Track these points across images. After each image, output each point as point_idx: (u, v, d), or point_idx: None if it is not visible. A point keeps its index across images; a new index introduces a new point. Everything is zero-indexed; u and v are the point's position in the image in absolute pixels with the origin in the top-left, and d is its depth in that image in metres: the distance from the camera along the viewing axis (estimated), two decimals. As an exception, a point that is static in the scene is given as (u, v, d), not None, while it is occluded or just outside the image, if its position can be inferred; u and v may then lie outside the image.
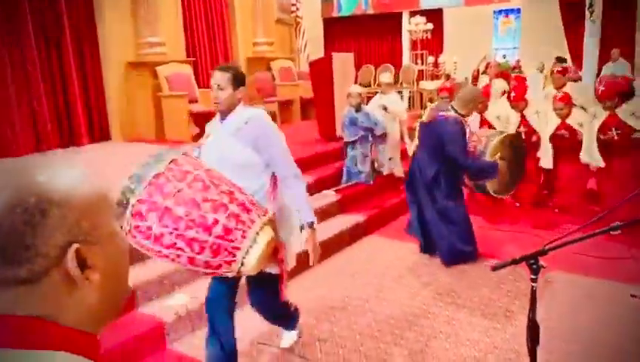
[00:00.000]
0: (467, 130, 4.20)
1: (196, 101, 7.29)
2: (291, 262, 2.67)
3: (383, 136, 5.71)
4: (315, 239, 2.51)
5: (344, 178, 5.65)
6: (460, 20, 11.91)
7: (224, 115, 2.48)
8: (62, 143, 6.68)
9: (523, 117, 5.55)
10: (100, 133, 7.15)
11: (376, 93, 6.53)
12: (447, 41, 11.53)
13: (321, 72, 6.68)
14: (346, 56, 6.89)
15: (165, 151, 2.16)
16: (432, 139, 4.22)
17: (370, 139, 5.60)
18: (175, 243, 2.00)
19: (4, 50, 6.01)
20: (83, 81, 6.93)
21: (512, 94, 5.64)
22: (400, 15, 11.60)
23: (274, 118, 8.40)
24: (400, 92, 11.11)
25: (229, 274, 2.16)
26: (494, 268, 1.81)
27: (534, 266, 1.73)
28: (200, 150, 2.50)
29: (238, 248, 2.07)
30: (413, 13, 11.32)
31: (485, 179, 4.42)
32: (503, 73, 7.51)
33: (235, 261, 2.07)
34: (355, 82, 11.32)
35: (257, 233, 2.10)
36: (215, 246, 2.03)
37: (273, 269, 2.49)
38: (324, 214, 5.12)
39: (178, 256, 2.04)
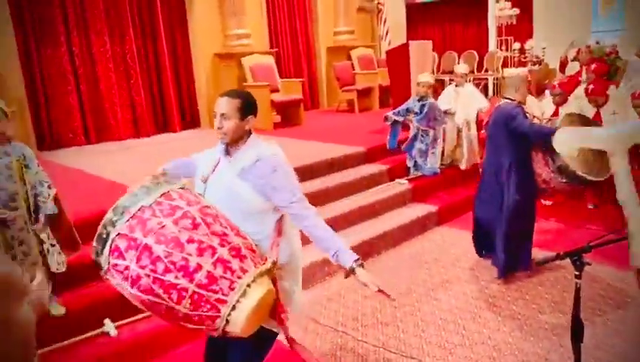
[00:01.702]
0: (527, 114, 3.96)
1: (277, 90, 7.59)
2: (297, 312, 2.29)
3: (430, 134, 5.61)
4: (370, 276, 1.98)
5: (412, 168, 5.69)
6: (552, 1, 11.20)
7: (231, 147, 2.13)
8: (157, 130, 7.28)
9: (598, 114, 5.10)
10: (190, 120, 7.70)
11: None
12: (537, 26, 10.90)
13: (398, 59, 6.69)
14: (424, 43, 6.82)
15: (158, 182, 1.90)
16: (495, 129, 4.02)
17: (429, 135, 5.57)
18: (152, 289, 1.71)
19: (108, 46, 6.65)
20: (175, 72, 7.49)
21: (591, 87, 5.21)
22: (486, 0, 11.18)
23: (352, 107, 8.59)
24: (485, 79, 10.76)
25: (215, 334, 1.80)
26: (538, 263, 1.83)
27: (578, 263, 1.73)
28: (206, 186, 2.14)
29: (223, 301, 1.71)
30: (500, -3, 10.84)
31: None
32: (596, 60, 7.03)
33: (219, 316, 1.73)
34: (438, 69, 11.18)
35: (249, 285, 1.75)
36: (196, 296, 1.70)
37: (272, 326, 2.07)
38: (395, 202, 5.21)
39: (156, 304, 1.73)
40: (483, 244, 4.25)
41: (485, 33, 11.48)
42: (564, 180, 4.18)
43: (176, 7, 7.38)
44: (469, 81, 6.73)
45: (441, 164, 5.79)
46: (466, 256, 4.41)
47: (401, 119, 5.62)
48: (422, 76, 5.61)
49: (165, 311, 1.75)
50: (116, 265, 1.75)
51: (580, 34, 10.68)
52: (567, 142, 3.71)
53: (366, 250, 4.47)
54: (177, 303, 1.70)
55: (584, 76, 6.42)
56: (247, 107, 2.09)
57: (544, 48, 9.56)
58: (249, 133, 2.12)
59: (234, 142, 2.10)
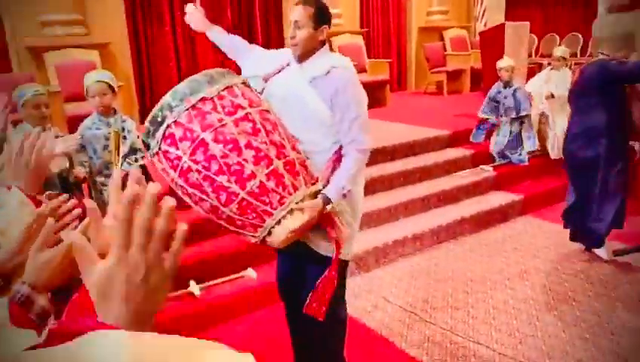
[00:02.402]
0: None
1: (365, 71, 7.62)
2: (348, 253, 2.15)
3: (527, 119, 5.36)
4: (313, 213, 1.84)
5: (496, 156, 5.50)
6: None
7: (303, 58, 2.05)
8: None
9: None
10: (278, 98, 7.97)
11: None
12: (656, 5, 9.92)
13: (491, 42, 6.46)
14: (520, 25, 6.50)
15: (222, 73, 1.80)
16: (586, 87, 3.70)
17: (517, 121, 5.33)
18: (201, 185, 1.69)
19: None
20: (267, 52, 7.74)
21: None
22: (598, -24, 10.32)
23: (440, 89, 8.40)
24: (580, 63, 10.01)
25: (252, 240, 1.83)
26: (616, 253, 1.77)
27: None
28: (266, 85, 2.08)
29: (269, 213, 1.73)
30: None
31: None
32: None
33: (262, 227, 1.75)
34: (537, 52, 10.56)
35: (297, 203, 1.75)
36: (244, 203, 1.70)
37: (329, 251, 2.01)
38: (478, 189, 5.11)
39: (201, 199, 1.72)
40: (573, 218, 4.05)
41: (593, 14, 10.64)
42: None
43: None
44: (570, 66, 6.29)
45: (527, 152, 5.55)
46: (548, 247, 4.25)
47: (492, 117, 5.39)
48: (502, 61, 5.36)
49: (209, 209, 1.74)
50: (167, 152, 1.71)
51: None
52: None
53: (443, 235, 4.46)
54: (224, 205, 1.71)
55: None
56: (321, 15, 2.02)
57: (660, 30, 8.68)
58: (322, 44, 2.06)
59: (306, 53, 2.03)
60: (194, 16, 2.40)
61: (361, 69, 7.46)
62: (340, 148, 2.04)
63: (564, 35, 10.53)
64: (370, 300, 3.51)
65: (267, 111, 1.83)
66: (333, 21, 7.93)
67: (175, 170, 1.71)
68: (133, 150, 3.14)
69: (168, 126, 1.68)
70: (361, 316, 3.30)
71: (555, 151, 5.52)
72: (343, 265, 2.13)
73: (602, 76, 3.57)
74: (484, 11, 9.89)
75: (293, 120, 1.93)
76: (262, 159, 1.70)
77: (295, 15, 2.01)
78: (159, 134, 1.70)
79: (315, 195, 1.86)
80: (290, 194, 1.75)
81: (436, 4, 9.27)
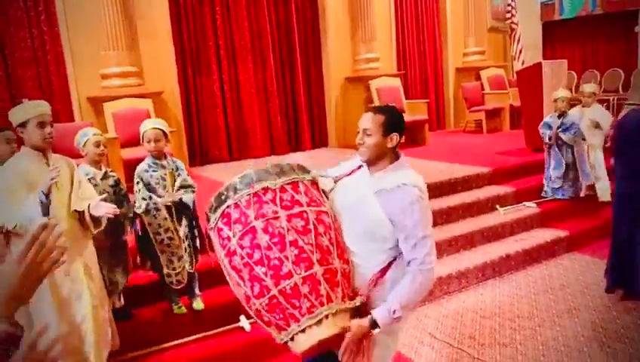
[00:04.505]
0: None
1: (403, 111, 7.77)
2: None
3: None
4: (358, 337, 1.80)
5: (544, 191, 5.49)
6: None
7: (371, 163, 1.96)
8: (290, 148, 7.89)
9: None
10: (319, 140, 8.21)
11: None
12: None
13: (529, 80, 6.52)
14: (558, 63, 6.56)
15: (293, 166, 1.85)
16: (628, 143, 3.69)
17: (569, 151, 5.32)
18: (240, 270, 1.71)
19: (251, 73, 7.42)
20: (308, 96, 8.08)
21: None
22: (634, 13, 10.27)
23: (479, 127, 8.44)
24: (626, 99, 9.87)
25: (277, 340, 1.77)
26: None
27: None
28: (335, 186, 2.03)
29: (296, 319, 1.68)
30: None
31: None
32: None
33: (286, 330, 1.70)
34: (577, 89, 10.50)
35: (327, 316, 1.68)
36: (274, 300, 1.67)
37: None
38: (522, 226, 5.08)
39: (237, 284, 1.75)
40: (619, 277, 3.92)
41: (634, 48, 10.57)
42: None
43: (313, 38, 7.98)
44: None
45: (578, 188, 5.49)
46: (597, 284, 4.16)
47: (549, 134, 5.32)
48: (559, 92, 5.37)
49: (242, 295, 1.76)
50: (221, 229, 1.76)
51: None
52: None
53: (488, 272, 4.44)
54: (255, 297, 1.71)
55: None
56: (392, 123, 1.93)
57: None
58: (394, 153, 1.96)
59: (374, 159, 1.95)
60: None
61: (399, 110, 7.61)
62: (387, 267, 1.91)
63: (604, 71, 10.48)
64: (416, 336, 3.53)
65: (325, 213, 1.82)
66: (370, 65, 8.18)
67: (223, 249, 1.77)
68: (183, 186, 3.44)
69: (228, 206, 1.75)
70: (408, 352, 3.32)
71: (601, 191, 5.42)
72: None
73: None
74: (520, 50, 9.99)
75: (352, 227, 1.89)
76: (302, 261, 1.68)
77: (364, 123, 1.95)
78: (219, 212, 1.77)
79: (348, 311, 1.77)
80: (323, 304, 1.68)
81: (472, 45, 9.44)
